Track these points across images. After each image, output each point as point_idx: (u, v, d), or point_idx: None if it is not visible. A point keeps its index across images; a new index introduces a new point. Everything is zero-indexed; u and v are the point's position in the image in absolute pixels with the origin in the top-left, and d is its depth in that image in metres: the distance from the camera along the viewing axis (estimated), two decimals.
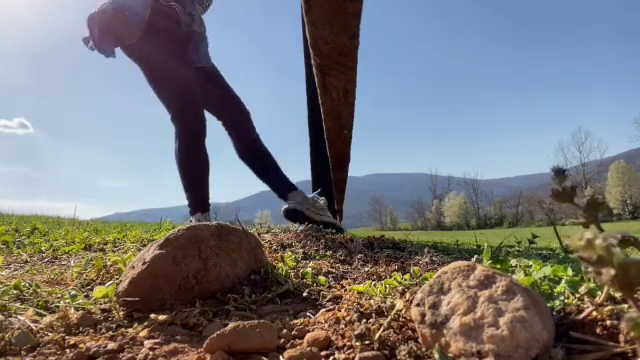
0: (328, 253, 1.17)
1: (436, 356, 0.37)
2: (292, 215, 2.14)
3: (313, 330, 0.51)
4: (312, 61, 1.03)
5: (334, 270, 0.93)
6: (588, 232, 0.32)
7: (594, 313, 0.40)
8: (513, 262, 0.68)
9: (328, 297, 0.69)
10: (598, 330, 0.38)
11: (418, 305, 0.42)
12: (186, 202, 2.00)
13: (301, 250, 1.19)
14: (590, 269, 0.32)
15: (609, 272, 0.31)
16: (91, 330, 0.53)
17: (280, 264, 0.89)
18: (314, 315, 0.58)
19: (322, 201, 2.22)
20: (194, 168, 2.01)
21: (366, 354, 0.42)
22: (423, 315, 0.41)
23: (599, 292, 0.45)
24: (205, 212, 2.03)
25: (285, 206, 2.15)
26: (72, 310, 0.60)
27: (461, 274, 0.42)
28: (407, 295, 0.53)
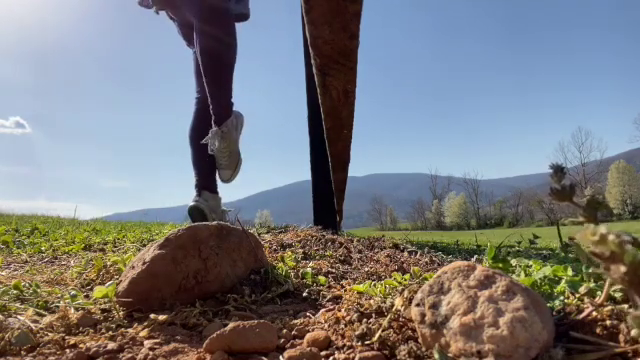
0: (328, 253, 1.17)
1: (436, 356, 0.37)
2: (196, 215, 2.00)
3: (313, 330, 0.51)
4: (312, 61, 1.03)
5: (334, 270, 0.93)
6: (602, 227, 0.32)
7: (594, 313, 0.40)
8: (513, 262, 0.68)
9: (328, 297, 0.69)
10: (598, 330, 0.38)
11: (418, 305, 0.42)
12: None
13: (301, 250, 1.19)
14: (601, 265, 0.32)
15: (619, 269, 0.31)
16: (91, 330, 0.53)
17: (280, 264, 0.89)
18: (314, 315, 0.58)
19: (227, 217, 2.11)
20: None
21: (366, 354, 0.42)
22: (423, 315, 0.41)
23: (599, 292, 0.45)
24: None
25: (193, 203, 2.01)
26: (72, 310, 0.60)
27: (461, 274, 0.42)
28: (407, 295, 0.53)
